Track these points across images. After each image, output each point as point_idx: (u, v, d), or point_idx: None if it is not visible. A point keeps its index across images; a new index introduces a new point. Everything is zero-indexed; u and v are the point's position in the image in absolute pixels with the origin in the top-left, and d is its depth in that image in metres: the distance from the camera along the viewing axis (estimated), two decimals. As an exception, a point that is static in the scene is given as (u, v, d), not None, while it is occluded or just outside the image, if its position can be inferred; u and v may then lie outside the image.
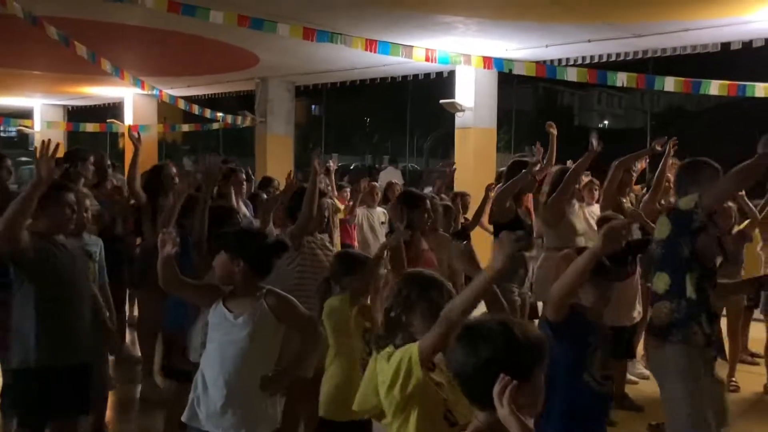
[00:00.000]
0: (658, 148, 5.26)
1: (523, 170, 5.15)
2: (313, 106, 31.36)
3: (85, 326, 3.50)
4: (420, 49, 7.62)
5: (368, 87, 12.38)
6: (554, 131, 6.09)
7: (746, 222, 5.83)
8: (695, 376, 3.14)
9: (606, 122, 44.25)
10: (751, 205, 5.83)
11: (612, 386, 2.85)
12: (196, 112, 10.93)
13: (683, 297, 3.16)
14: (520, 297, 5.26)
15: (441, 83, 11.14)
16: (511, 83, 13.58)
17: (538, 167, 5.45)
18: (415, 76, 11.29)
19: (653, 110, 26.12)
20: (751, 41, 7.85)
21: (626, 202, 5.46)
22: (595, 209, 5.65)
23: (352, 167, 23.30)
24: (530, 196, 5.71)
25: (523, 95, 29.74)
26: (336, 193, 7.42)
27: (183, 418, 2.97)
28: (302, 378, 3.81)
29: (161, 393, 5.01)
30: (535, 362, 1.69)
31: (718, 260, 3.48)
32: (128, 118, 14.42)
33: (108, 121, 14.05)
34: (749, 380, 5.71)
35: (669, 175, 5.24)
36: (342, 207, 7.12)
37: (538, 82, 32.63)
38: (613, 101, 45.46)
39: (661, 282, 3.27)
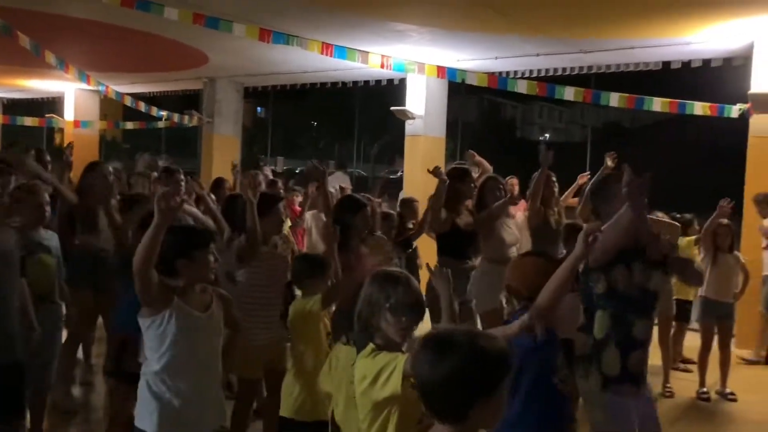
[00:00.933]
0: (610, 163, 5.60)
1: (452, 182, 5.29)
2: (258, 109, 31.03)
3: (13, 324, 3.34)
4: (376, 55, 7.66)
5: (317, 91, 12.28)
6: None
7: (693, 237, 6.13)
8: (594, 411, 3.11)
9: (547, 135, 45.33)
10: (668, 219, 6.07)
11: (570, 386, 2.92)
12: (143, 110, 10.66)
13: (592, 333, 3.14)
14: (462, 307, 5.32)
15: (390, 90, 11.18)
16: (459, 93, 13.74)
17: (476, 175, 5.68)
18: (366, 82, 11.33)
19: (592, 125, 26.87)
20: (689, 61, 8.22)
21: (554, 215, 5.58)
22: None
23: (297, 171, 23.14)
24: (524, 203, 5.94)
25: (469, 106, 30.21)
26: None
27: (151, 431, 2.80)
28: (251, 377, 3.80)
29: (73, 402, 4.96)
30: (501, 376, 1.61)
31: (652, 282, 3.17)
32: (69, 114, 13.99)
33: (47, 116, 13.58)
34: (683, 386, 5.94)
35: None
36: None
37: (483, 94, 33.22)
38: (554, 115, 46.66)
39: None
